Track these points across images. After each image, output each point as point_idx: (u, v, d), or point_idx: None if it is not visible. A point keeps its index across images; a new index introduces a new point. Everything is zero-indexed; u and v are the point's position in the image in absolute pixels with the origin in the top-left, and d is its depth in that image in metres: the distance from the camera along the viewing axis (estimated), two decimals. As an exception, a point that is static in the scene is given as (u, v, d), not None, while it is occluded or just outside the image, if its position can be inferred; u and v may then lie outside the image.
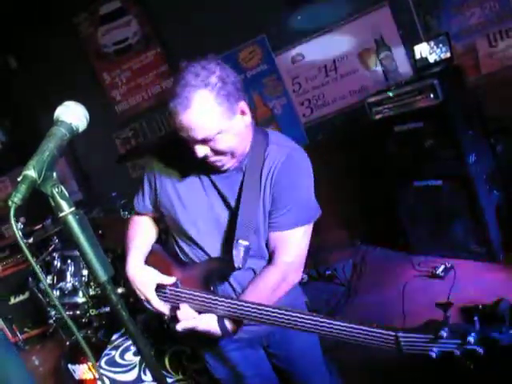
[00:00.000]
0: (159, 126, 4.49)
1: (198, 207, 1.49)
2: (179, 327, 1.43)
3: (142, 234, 1.67)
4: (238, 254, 1.40)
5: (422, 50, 3.32)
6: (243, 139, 1.40)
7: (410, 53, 3.51)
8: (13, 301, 4.22)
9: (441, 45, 3.21)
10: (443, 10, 3.54)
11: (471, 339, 0.99)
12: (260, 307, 1.30)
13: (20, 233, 0.87)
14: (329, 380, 1.86)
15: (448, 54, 3.19)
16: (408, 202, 3.36)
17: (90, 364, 2.90)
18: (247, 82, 4.27)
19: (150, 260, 1.61)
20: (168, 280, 1.52)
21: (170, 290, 1.53)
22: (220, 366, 1.70)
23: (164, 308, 1.53)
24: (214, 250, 1.51)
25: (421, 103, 3.02)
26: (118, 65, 4.57)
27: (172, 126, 1.35)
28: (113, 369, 2.40)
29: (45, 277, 0.87)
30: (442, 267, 3.16)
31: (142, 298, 1.55)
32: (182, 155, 1.46)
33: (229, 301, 1.38)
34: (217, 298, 1.41)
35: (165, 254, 1.65)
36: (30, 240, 3.45)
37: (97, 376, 2.75)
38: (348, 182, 4.05)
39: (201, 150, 1.33)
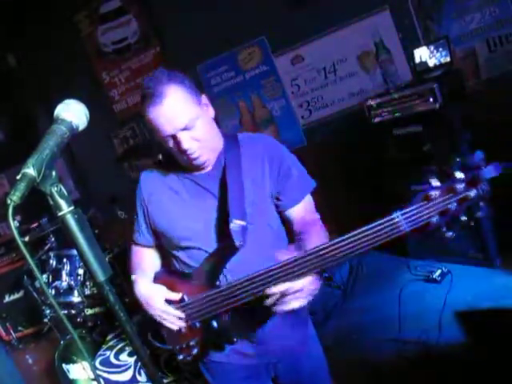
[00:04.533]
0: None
1: (188, 213, 1.53)
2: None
3: (144, 262, 1.71)
4: (236, 233, 1.44)
5: (422, 53, 3.32)
6: (213, 129, 1.54)
7: (410, 56, 3.51)
8: (7, 299, 4.20)
9: (441, 49, 3.21)
10: (443, 15, 3.55)
11: (460, 187, 1.06)
12: (263, 273, 1.32)
13: (17, 231, 0.86)
14: None
15: (448, 59, 3.19)
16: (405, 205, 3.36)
17: (84, 363, 2.89)
18: (246, 83, 4.27)
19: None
20: (174, 296, 1.53)
21: (177, 307, 1.53)
22: None
23: (179, 313, 1.51)
24: (212, 246, 1.52)
25: (420, 107, 3.03)
26: (117, 64, 4.55)
27: (154, 129, 1.44)
28: (107, 369, 2.39)
29: (39, 274, 0.86)
30: (439, 271, 3.16)
31: (156, 312, 1.53)
32: (162, 178, 1.61)
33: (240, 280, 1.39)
34: (221, 288, 1.42)
35: (166, 275, 1.66)
36: (26, 238, 3.44)
37: (91, 376, 2.74)
38: (346, 185, 4.05)
39: (185, 140, 1.41)
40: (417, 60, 3.37)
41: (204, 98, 1.50)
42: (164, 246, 1.66)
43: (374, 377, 2.55)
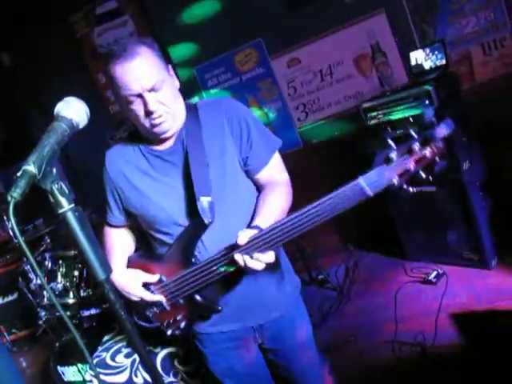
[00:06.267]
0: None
1: (157, 190, 1.54)
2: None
3: (118, 244, 1.73)
4: (204, 210, 1.44)
5: (418, 56, 3.34)
6: (179, 98, 1.53)
7: (406, 59, 3.53)
8: (1, 301, 4.16)
9: (436, 52, 3.23)
10: (439, 18, 3.57)
11: (415, 147, 1.11)
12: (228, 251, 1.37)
13: (18, 228, 0.86)
14: (323, 374, 1.87)
15: (443, 61, 3.21)
16: (402, 207, 3.38)
17: (79, 366, 2.87)
18: (242, 84, 4.27)
19: (130, 268, 1.65)
20: (152, 278, 1.57)
21: (157, 287, 1.57)
22: (217, 361, 1.72)
23: (157, 297, 1.56)
24: (186, 220, 1.52)
25: (416, 109, 3.04)
26: (113, 65, 4.54)
27: (119, 87, 1.40)
28: (103, 371, 2.37)
29: (41, 275, 0.85)
30: (435, 273, 3.17)
31: (134, 298, 1.58)
32: (127, 157, 1.59)
33: (211, 258, 1.44)
34: (198, 265, 1.46)
35: (141, 259, 1.68)
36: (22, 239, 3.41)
37: (87, 378, 2.72)
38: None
39: (152, 101, 1.39)
40: (413, 63, 3.38)
41: (171, 69, 1.51)
42: (142, 226, 1.66)
43: (370, 378, 2.55)
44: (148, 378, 2.27)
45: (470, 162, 3.01)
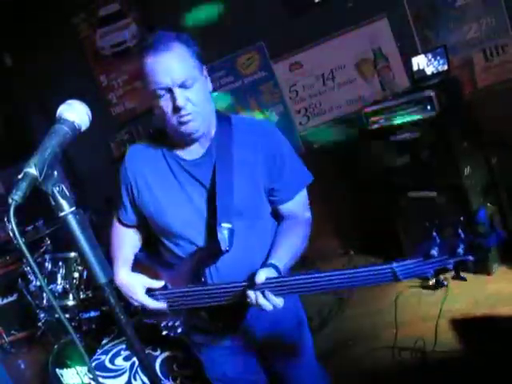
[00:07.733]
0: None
1: (176, 201, 1.49)
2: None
3: (126, 243, 1.70)
4: (223, 237, 1.42)
5: (420, 61, 3.34)
6: (210, 101, 1.47)
7: (408, 64, 3.53)
8: (0, 302, 4.15)
9: (438, 57, 3.24)
10: (441, 24, 3.58)
11: (460, 251, 1.05)
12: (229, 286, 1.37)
13: (18, 230, 0.85)
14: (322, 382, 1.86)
15: (445, 67, 3.21)
16: (402, 212, 3.37)
17: (77, 368, 2.86)
18: (244, 88, 4.27)
19: (136, 269, 1.63)
20: (156, 284, 1.55)
21: (161, 293, 1.55)
22: (212, 367, 1.72)
23: (160, 305, 1.54)
24: (201, 239, 1.50)
25: (417, 114, 3.04)
26: (115, 67, 4.55)
27: (149, 80, 1.37)
28: (102, 373, 2.37)
29: (41, 277, 0.84)
30: (435, 279, 3.16)
31: (135, 303, 1.57)
32: (150, 157, 1.53)
33: (212, 286, 1.43)
34: (208, 286, 1.45)
35: (150, 261, 1.66)
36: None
37: (85, 381, 2.71)
38: (343, 191, 4.05)
39: (181, 97, 1.34)
40: (414, 68, 3.39)
41: (205, 71, 1.46)
42: (153, 230, 1.63)
43: (375, 378, 2.55)
44: (147, 382, 2.26)
45: (471, 167, 3.01)
